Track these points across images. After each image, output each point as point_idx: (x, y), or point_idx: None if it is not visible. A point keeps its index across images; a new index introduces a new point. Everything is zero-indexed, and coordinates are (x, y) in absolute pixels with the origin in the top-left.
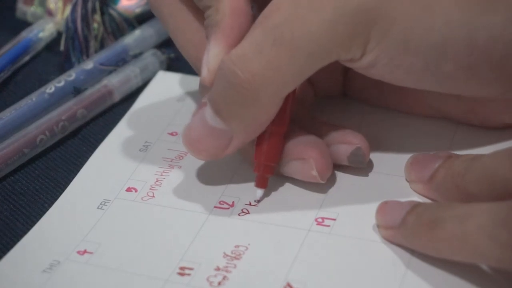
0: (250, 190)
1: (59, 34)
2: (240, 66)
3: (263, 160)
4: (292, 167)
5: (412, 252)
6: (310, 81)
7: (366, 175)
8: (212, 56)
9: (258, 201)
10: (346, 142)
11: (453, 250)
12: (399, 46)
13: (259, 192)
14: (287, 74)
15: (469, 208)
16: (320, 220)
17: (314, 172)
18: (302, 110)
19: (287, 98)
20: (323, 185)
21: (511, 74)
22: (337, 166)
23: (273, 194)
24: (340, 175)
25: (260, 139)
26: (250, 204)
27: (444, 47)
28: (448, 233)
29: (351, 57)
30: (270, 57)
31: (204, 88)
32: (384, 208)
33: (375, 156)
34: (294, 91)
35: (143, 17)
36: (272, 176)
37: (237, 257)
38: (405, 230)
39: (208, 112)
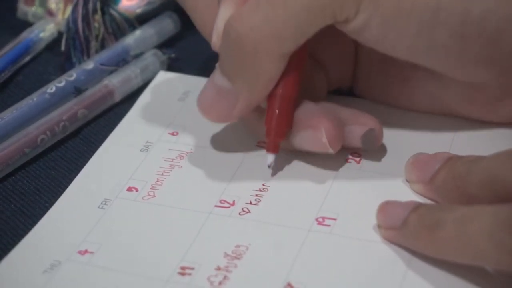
0: (250, 190)
1: (60, 34)
2: (238, 21)
3: (274, 124)
4: (302, 137)
5: (413, 252)
6: (322, 69)
7: (366, 174)
8: (220, 21)
9: (269, 166)
10: (360, 123)
11: (454, 252)
12: (393, 6)
13: (271, 157)
14: (283, 29)
15: (471, 211)
16: (320, 220)
17: (324, 139)
18: (314, 98)
19: (296, 62)
20: (324, 185)
21: (504, 53)
22: (347, 151)
23: (274, 193)
24: (340, 175)
25: (270, 104)
26: (250, 203)
27: (437, 12)
28: (449, 235)
29: (346, 16)
30: (266, 11)
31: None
32: (385, 208)
33: (375, 156)
34: (303, 56)
35: (144, 18)
36: (282, 150)
37: (238, 256)
38: (406, 231)
39: (216, 73)
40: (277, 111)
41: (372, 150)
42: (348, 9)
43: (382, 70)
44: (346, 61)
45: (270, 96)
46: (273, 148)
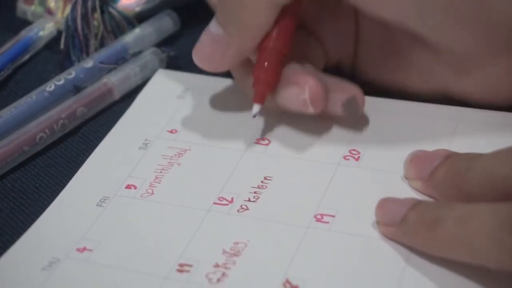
0: (249, 187)
1: (59, 32)
2: None
3: (262, 75)
4: (286, 94)
5: (411, 248)
6: (321, 44)
7: (365, 171)
8: None
9: (254, 116)
10: (342, 90)
11: (453, 250)
12: None
13: (256, 107)
14: None
15: (471, 209)
16: (319, 216)
17: (306, 96)
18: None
19: (288, 19)
20: (323, 182)
21: (489, 14)
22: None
23: (273, 190)
24: (338, 171)
25: (260, 56)
26: (249, 200)
27: None
28: (449, 233)
29: None
30: None
31: None
32: (384, 205)
33: (374, 153)
34: (296, 16)
35: (143, 16)
36: (267, 109)
37: (237, 253)
38: (406, 228)
39: (212, 21)
40: (266, 63)
41: (354, 118)
42: None
43: (382, 47)
44: (345, 38)
45: (261, 48)
46: (259, 99)
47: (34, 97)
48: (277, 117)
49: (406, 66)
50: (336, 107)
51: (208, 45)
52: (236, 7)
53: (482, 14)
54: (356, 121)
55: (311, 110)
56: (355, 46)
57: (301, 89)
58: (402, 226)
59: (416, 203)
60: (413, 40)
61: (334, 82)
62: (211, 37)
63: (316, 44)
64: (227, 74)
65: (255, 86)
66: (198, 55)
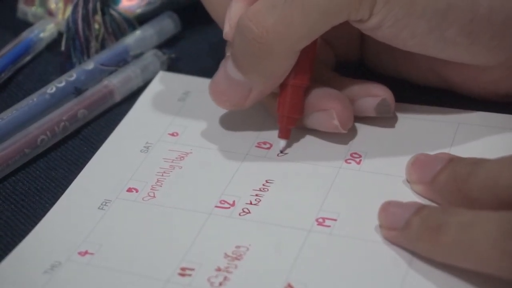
0: (250, 190)
1: (60, 34)
2: (254, 22)
3: (286, 112)
4: (314, 119)
5: (414, 252)
6: (329, 45)
7: (367, 175)
8: (233, 12)
9: (281, 151)
10: (372, 95)
11: (456, 256)
12: (404, 9)
13: (282, 142)
14: (299, 30)
15: (475, 216)
16: (321, 220)
17: (336, 122)
18: (324, 69)
19: (308, 53)
20: (324, 185)
21: (511, 43)
22: (362, 119)
23: (274, 194)
24: (340, 175)
25: (282, 92)
26: (251, 204)
27: (447, 12)
28: (452, 239)
29: (360, 17)
30: (283, 13)
31: (229, 44)
32: (388, 209)
33: (376, 156)
34: (314, 47)
35: (144, 18)
36: (295, 128)
37: (238, 257)
38: (409, 233)
39: (229, 65)
40: (289, 99)
41: (387, 117)
42: (363, 12)
43: (387, 47)
44: (351, 40)
45: (282, 85)
46: (284, 135)
47: (35, 99)
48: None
49: (410, 63)
50: (369, 111)
51: (227, 86)
52: (261, 59)
53: (504, 43)
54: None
55: (342, 131)
56: (361, 46)
57: (329, 114)
58: (405, 230)
59: (419, 208)
60: None
61: (361, 87)
62: (231, 81)
63: (325, 46)
64: None
65: (280, 123)
66: (217, 96)
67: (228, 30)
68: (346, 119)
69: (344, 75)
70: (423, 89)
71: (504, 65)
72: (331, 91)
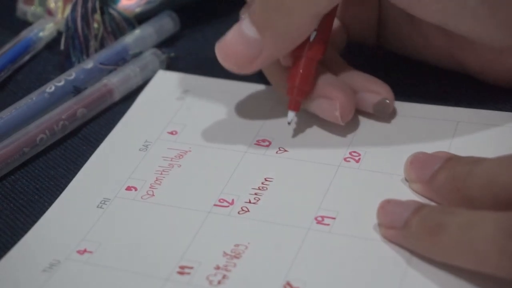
0: (249, 188)
1: (59, 33)
2: None
3: (297, 83)
4: (317, 104)
5: (412, 251)
6: (344, 25)
7: (365, 173)
8: None
9: (289, 123)
10: (374, 91)
11: (456, 256)
12: None
13: (291, 114)
14: None
15: (475, 216)
16: (319, 219)
17: (337, 113)
18: (331, 52)
19: (324, 26)
20: (323, 184)
21: None
22: (363, 118)
23: (273, 192)
24: (339, 173)
25: (295, 63)
26: (250, 202)
27: None
28: (452, 239)
29: None
30: None
31: (246, 5)
32: (386, 207)
33: (374, 155)
34: (331, 23)
35: (143, 17)
36: (300, 119)
37: (237, 256)
38: (408, 232)
39: (245, 22)
40: (301, 71)
41: (384, 116)
42: None
43: (404, 28)
44: (368, 21)
45: (296, 56)
46: (294, 106)
47: (34, 98)
48: (278, 119)
49: (429, 47)
50: (367, 106)
51: (238, 45)
52: (280, 16)
53: None
54: (385, 117)
55: (340, 123)
56: (378, 28)
57: (333, 103)
58: (405, 230)
59: (419, 207)
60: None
61: (365, 81)
62: (242, 38)
63: (339, 27)
64: (227, 76)
65: (290, 94)
66: (224, 53)
67: None
68: (347, 112)
69: (359, 57)
70: (440, 74)
71: None
72: (338, 81)
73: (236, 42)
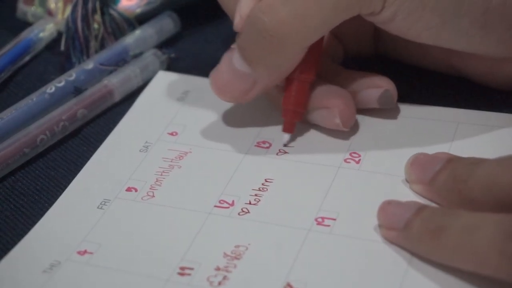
0: (249, 190)
1: (59, 34)
2: (268, 15)
3: (291, 106)
4: (317, 115)
5: (413, 252)
6: (339, 40)
7: (366, 174)
8: (244, 4)
9: (285, 145)
10: (375, 86)
11: (457, 259)
12: (417, 1)
13: (286, 136)
14: (312, 23)
15: (476, 218)
16: (320, 220)
17: (337, 120)
18: (329, 62)
19: (315, 48)
20: (323, 185)
21: None
22: (364, 116)
23: (273, 193)
24: (339, 175)
25: (288, 86)
26: (250, 203)
27: (461, 3)
28: (453, 242)
29: (372, 10)
30: (297, 6)
31: (238, 36)
32: (387, 208)
33: (375, 156)
34: (321, 43)
35: (144, 17)
36: (299, 122)
37: (237, 257)
38: (409, 234)
39: (235, 56)
40: (294, 93)
41: (389, 108)
42: (375, 4)
43: (404, 42)
44: (364, 38)
45: (289, 79)
46: (289, 128)
47: (34, 99)
48: (278, 121)
49: (426, 57)
50: (371, 102)
51: (231, 78)
52: (270, 51)
53: None
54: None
55: (343, 129)
56: (375, 41)
57: (332, 112)
58: (405, 231)
59: (420, 208)
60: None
61: (364, 79)
62: (235, 73)
63: (335, 41)
64: None
65: (285, 116)
66: (220, 88)
67: (238, 21)
68: (348, 118)
69: (356, 67)
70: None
71: None
72: (334, 88)
73: (229, 76)
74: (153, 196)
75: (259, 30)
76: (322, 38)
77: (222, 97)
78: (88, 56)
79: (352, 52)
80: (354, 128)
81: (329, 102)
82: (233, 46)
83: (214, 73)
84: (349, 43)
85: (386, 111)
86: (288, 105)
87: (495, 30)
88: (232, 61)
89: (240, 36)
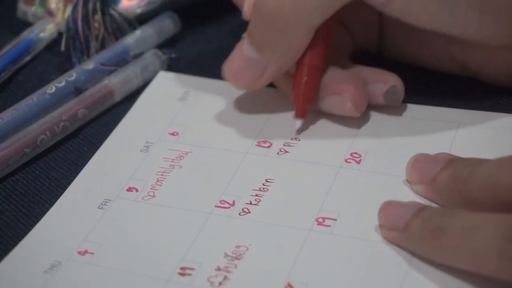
0: (250, 190)
1: (59, 34)
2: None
3: (302, 91)
4: (329, 102)
5: (413, 252)
6: (348, 29)
7: (367, 174)
8: None
9: (297, 132)
10: (382, 81)
11: (457, 259)
12: None
13: (298, 122)
14: (311, 5)
15: (477, 219)
16: (320, 220)
17: (349, 104)
18: (339, 55)
19: (324, 34)
20: (324, 185)
21: None
22: (364, 117)
23: (274, 193)
24: (340, 175)
25: (298, 72)
26: (251, 203)
27: None
28: (453, 242)
29: None
30: None
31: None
32: (388, 209)
33: (376, 156)
34: (330, 29)
35: (144, 18)
36: (310, 110)
37: (238, 257)
38: (409, 234)
39: (245, 43)
40: (305, 78)
41: (395, 105)
42: None
43: (404, 33)
44: (369, 26)
45: (299, 64)
46: (301, 114)
47: (35, 99)
48: (279, 120)
49: (428, 49)
50: (377, 98)
51: (242, 66)
52: (276, 34)
53: None
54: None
55: (356, 114)
56: (379, 33)
57: (344, 98)
58: (406, 232)
59: (420, 209)
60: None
61: (372, 73)
62: (246, 60)
63: (343, 32)
64: None
65: (296, 102)
66: (232, 76)
67: (247, 9)
68: (360, 102)
69: (361, 62)
70: (441, 75)
71: None
72: (346, 74)
73: (240, 63)
74: (154, 196)
75: (264, 14)
76: (331, 25)
77: (235, 84)
78: (88, 56)
79: (359, 44)
80: (355, 128)
81: (340, 87)
82: (244, 34)
83: (227, 61)
84: (357, 32)
85: (387, 111)
86: (298, 90)
87: (491, 13)
88: (242, 49)
89: (249, 24)
